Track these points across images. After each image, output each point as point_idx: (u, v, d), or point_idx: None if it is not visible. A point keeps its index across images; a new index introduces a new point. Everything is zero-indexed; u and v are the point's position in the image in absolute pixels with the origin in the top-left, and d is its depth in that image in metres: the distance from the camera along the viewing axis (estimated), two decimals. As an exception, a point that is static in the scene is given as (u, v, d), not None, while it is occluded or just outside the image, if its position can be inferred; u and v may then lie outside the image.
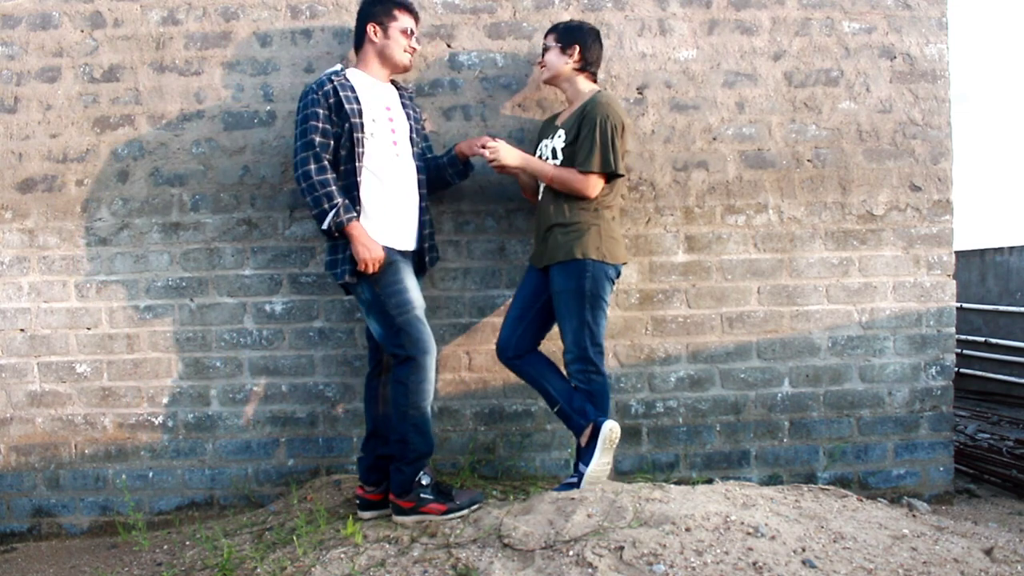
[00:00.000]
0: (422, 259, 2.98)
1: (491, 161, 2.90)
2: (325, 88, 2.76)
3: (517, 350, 2.97)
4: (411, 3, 2.96)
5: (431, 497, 2.63)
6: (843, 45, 3.42)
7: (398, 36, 2.88)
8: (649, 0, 3.38)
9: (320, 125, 2.73)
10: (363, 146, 2.77)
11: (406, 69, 2.97)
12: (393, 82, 3.02)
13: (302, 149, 2.74)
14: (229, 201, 3.33)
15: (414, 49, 2.93)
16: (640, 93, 3.38)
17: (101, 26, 3.32)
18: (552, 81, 3.04)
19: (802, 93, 3.41)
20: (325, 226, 2.70)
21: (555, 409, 2.92)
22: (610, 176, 2.88)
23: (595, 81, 3.04)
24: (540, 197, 3.04)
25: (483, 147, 2.91)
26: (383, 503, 2.79)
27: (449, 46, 3.35)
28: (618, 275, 2.96)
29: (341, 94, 2.76)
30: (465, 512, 2.58)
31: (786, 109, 3.41)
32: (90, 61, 3.31)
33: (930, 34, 3.43)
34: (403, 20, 2.89)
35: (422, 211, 2.96)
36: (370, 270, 2.69)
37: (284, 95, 3.33)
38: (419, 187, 2.95)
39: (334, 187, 2.70)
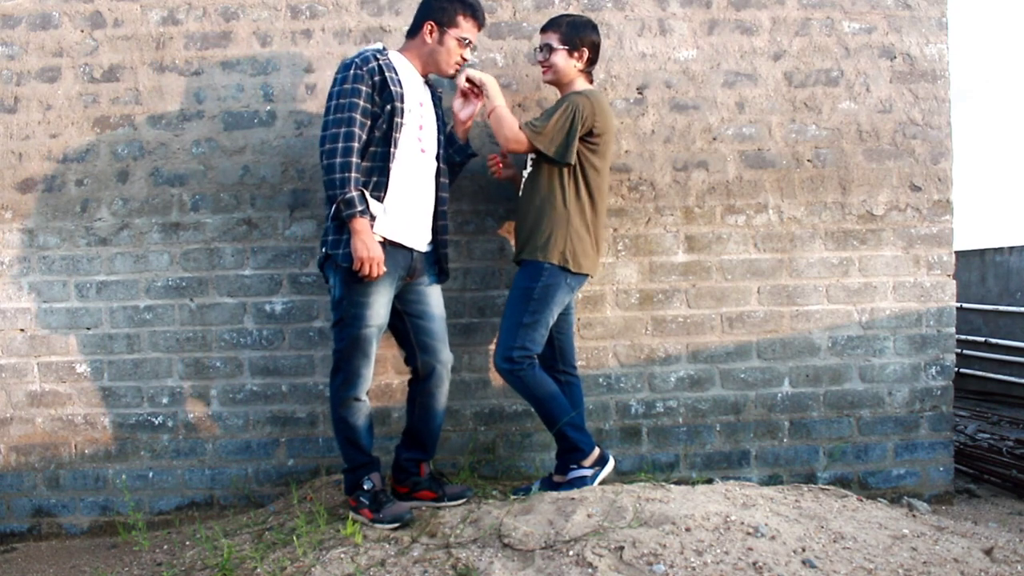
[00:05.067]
0: (440, 264, 2.92)
1: (464, 76, 2.85)
2: (370, 65, 2.62)
3: (567, 360, 3.04)
4: (480, 10, 2.80)
5: (366, 503, 2.68)
6: (843, 45, 3.42)
7: (452, 44, 2.76)
8: (649, 0, 3.38)
9: (361, 103, 2.59)
10: (399, 132, 2.66)
11: (449, 78, 2.89)
12: (427, 81, 2.92)
13: (335, 124, 2.58)
14: (229, 201, 3.33)
15: (464, 60, 2.81)
16: (640, 93, 3.38)
17: (101, 26, 3.32)
18: (552, 83, 3.00)
19: (802, 93, 3.41)
20: (332, 210, 2.59)
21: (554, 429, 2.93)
22: (545, 158, 2.80)
23: (591, 80, 3.02)
24: (520, 192, 3.01)
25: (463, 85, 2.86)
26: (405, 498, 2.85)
27: (449, 46, 3.35)
28: (579, 285, 2.92)
29: (387, 74, 2.64)
30: (387, 527, 2.59)
31: (786, 109, 3.41)
32: (90, 61, 3.31)
33: (930, 34, 3.43)
34: (464, 29, 2.76)
35: (440, 215, 2.88)
36: (364, 271, 2.57)
37: (284, 95, 3.33)
38: (439, 189, 2.88)
39: (354, 173, 2.56)
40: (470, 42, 2.80)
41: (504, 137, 2.80)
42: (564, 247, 2.82)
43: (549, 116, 2.80)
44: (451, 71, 2.82)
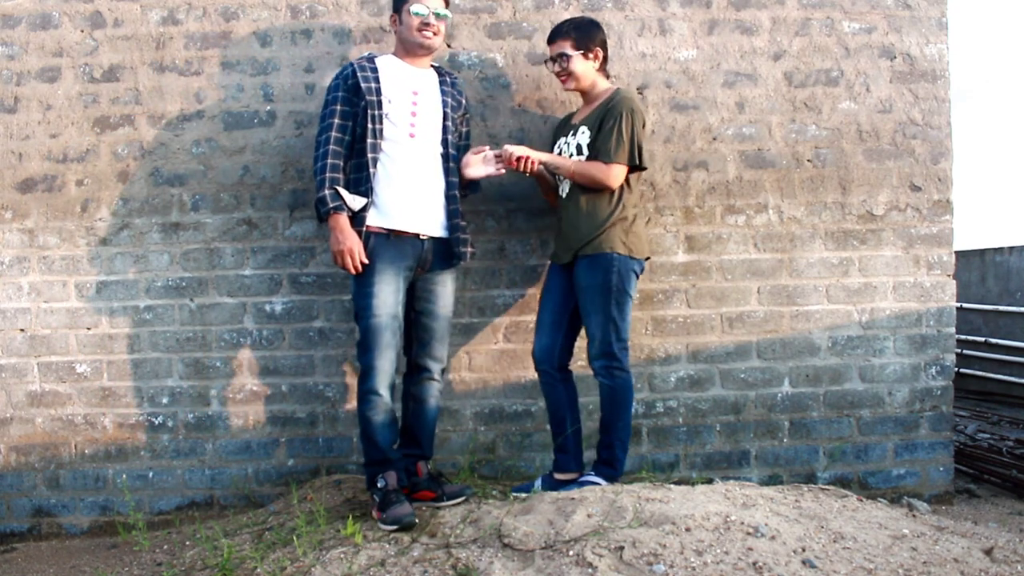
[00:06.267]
0: (451, 249, 2.91)
1: (518, 163, 2.86)
2: (345, 72, 2.82)
3: (561, 360, 2.98)
4: None
5: (376, 500, 2.69)
6: (843, 45, 3.42)
7: (407, 18, 2.83)
8: (649, 0, 3.38)
9: (339, 108, 2.78)
10: (380, 123, 2.78)
11: (427, 49, 2.89)
12: (438, 69, 3.00)
13: (319, 134, 2.81)
14: (229, 201, 3.33)
15: (428, 25, 2.82)
16: (640, 93, 3.38)
17: (101, 26, 3.32)
18: (577, 89, 2.98)
19: (802, 93, 3.41)
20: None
21: (559, 439, 2.94)
22: (632, 169, 2.88)
23: (608, 77, 3.03)
24: (565, 195, 3.00)
25: (506, 160, 2.87)
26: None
27: (449, 46, 3.35)
28: (642, 269, 2.97)
29: (359, 75, 2.79)
30: (387, 528, 2.56)
31: (786, 109, 3.41)
32: (90, 61, 3.31)
33: (930, 34, 3.43)
34: (413, 2, 2.82)
35: (450, 199, 2.90)
36: (338, 262, 2.72)
37: (284, 95, 3.33)
38: (446, 175, 2.90)
39: (329, 174, 2.73)
40: (426, 11, 2.81)
41: (601, 183, 2.85)
42: (626, 237, 2.87)
43: (611, 137, 2.82)
44: (419, 40, 2.85)
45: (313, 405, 3.34)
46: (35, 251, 3.31)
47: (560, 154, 3.01)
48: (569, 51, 2.90)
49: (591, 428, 3.11)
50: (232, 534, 2.86)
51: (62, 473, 3.32)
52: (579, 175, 2.88)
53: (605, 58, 2.97)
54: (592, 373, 2.92)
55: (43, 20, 3.32)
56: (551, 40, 2.96)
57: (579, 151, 2.93)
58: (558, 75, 2.97)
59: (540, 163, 2.91)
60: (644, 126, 2.89)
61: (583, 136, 2.93)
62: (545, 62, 3.04)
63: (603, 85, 2.98)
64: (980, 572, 2.22)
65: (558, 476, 2.93)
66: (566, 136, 3.02)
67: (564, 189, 3.01)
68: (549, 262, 3.12)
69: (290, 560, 2.41)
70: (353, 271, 2.73)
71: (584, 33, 2.91)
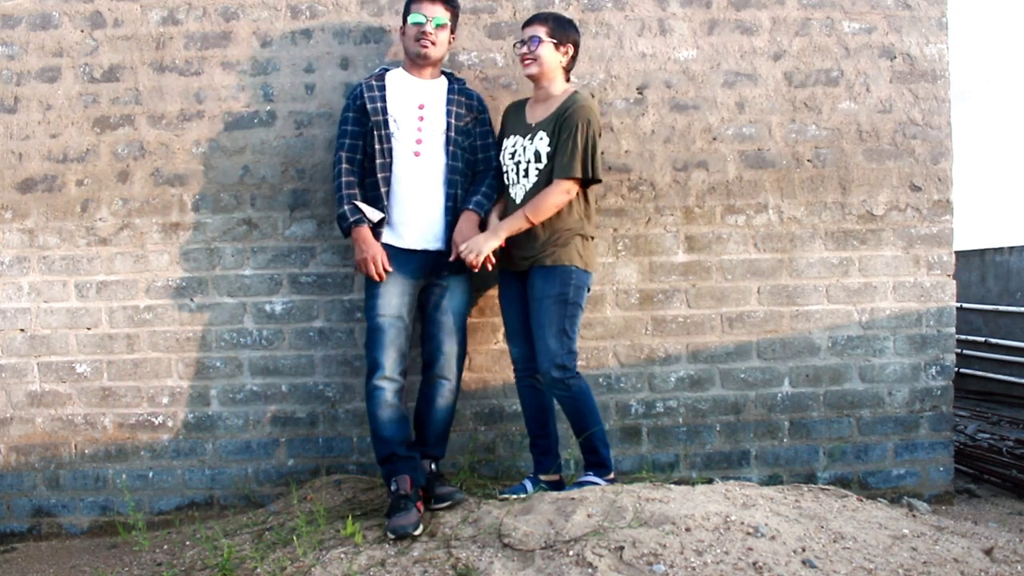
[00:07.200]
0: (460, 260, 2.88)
1: (475, 260, 2.80)
2: (355, 92, 2.96)
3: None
4: None
5: (389, 502, 2.69)
6: (843, 45, 3.42)
7: (408, 30, 2.92)
8: (649, 0, 3.38)
9: (349, 128, 2.93)
10: (388, 143, 2.89)
11: (425, 58, 2.92)
12: (450, 76, 3.06)
13: (334, 153, 2.99)
14: (229, 201, 3.33)
15: (425, 34, 2.87)
16: (640, 93, 3.38)
17: (101, 26, 3.32)
18: (536, 76, 2.92)
19: (802, 93, 3.41)
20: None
21: (543, 442, 2.96)
22: (587, 182, 2.84)
23: (568, 79, 2.99)
24: (520, 202, 2.91)
25: (470, 265, 2.81)
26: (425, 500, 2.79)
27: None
28: (591, 283, 2.96)
29: (366, 95, 2.91)
30: (390, 535, 2.52)
31: (786, 109, 3.41)
32: (90, 61, 3.31)
33: (930, 34, 3.43)
34: (414, 10, 2.90)
35: (448, 211, 2.93)
36: (363, 269, 2.85)
37: (284, 95, 3.33)
38: (447, 186, 2.94)
39: (346, 191, 2.88)
40: (426, 20, 2.87)
41: (560, 206, 2.82)
42: (581, 249, 2.86)
43: (565, 151, 2.79)
44: (417, 50, 2.91)
45: (313, 405, 3.34)
46: (35, 251, 3.31)
47: (514, 156, 2.93)
48: (543, 36, 2.87)
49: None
50: (232, 534, 2.86)
51: (62, 473, 3.32)
52: (540, 216, 2.81)
53: (573, 59, 2.96)
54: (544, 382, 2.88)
55: (43, 20, 3.31)
56: (527, 23, 2.93)
57: (537, 159, 2.86)
58: (523, 56, 2.89)
59: (499, 248, 2.84)
60: (600, 135, 2.87)
61: (541, 143, 2.86)
62: (515, 44, 2.98)
63: (561, 86, 2.93)
64: (980, 572, 2.22)
65: (544, 477, 2.92)
66: (522, 138, 2.93)
67: (518, 196, 2.93)
68: (500, 268, 3.00)
69: (290, 560, 2.41)
70: (377, 278, 2.82)
71: (561, 26, 2.91)
